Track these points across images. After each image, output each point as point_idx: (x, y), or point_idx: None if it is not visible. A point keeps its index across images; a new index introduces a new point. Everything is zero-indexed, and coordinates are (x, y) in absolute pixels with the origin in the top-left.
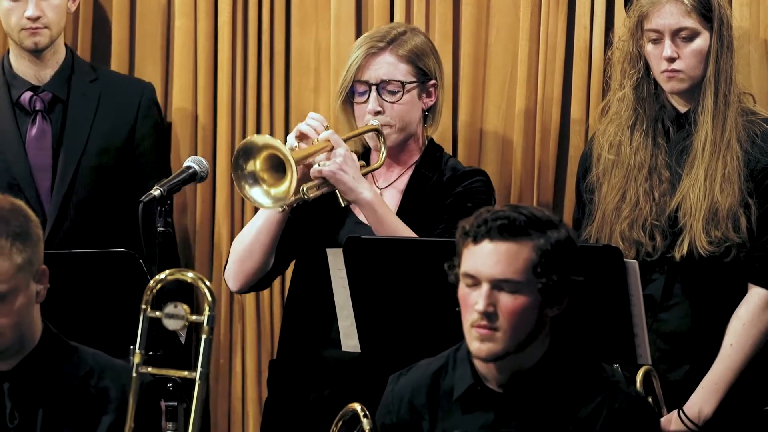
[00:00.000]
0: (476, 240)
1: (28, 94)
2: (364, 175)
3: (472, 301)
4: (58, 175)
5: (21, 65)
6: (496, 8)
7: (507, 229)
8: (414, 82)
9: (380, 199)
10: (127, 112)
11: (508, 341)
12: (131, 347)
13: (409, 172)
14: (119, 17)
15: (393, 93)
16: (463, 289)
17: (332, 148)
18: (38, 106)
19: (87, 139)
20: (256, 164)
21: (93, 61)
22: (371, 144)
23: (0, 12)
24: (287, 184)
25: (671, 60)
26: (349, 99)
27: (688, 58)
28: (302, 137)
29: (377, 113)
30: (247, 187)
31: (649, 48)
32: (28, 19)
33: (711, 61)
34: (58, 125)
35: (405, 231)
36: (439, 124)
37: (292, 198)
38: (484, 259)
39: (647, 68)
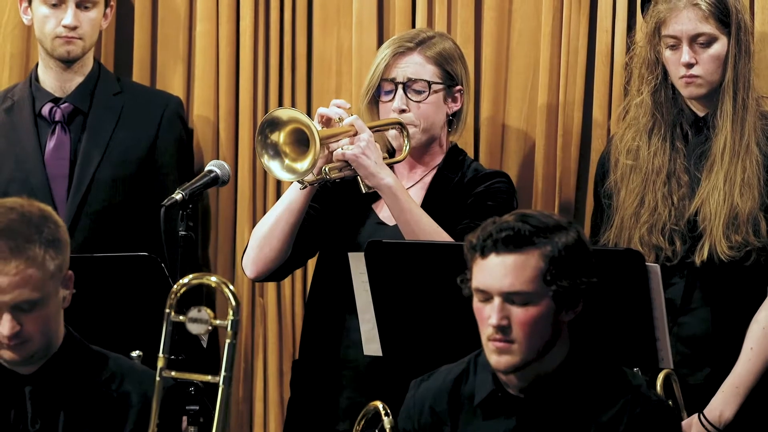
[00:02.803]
0: (483, 254)
1: (48, 106)
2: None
3: (486, 315)
4: (73, 185)
5: (47, 77)
6: (518, 12)
7: (512, 240)
8: (440, 83)
9: (401, 185)
10: (150, 124)
11: (526, 352)
12: (133, 353)
13: (432, 173)
14: (141, 22)
15: (419, 92)
16: (476, 304)
17: (356, 133)
18: (58, 117)
19: (105, 149)
20: (281, 136)
21: (115, 67)
22: (395, 144)
23: (36, 18)
24: (310, 158)
25: (689, 66)
26: (375, 98)
27: (706, 63)
28: (326, 123)
29: (402, 111)
30: (267, 156)
31: (666, 54)
32: (65, 27)
33: (729, 66)
34: (78, 136)
35: (425, 218)
36: (462, 131)
37: (313, 176)
38: (493, 273)
39: (665, 73)
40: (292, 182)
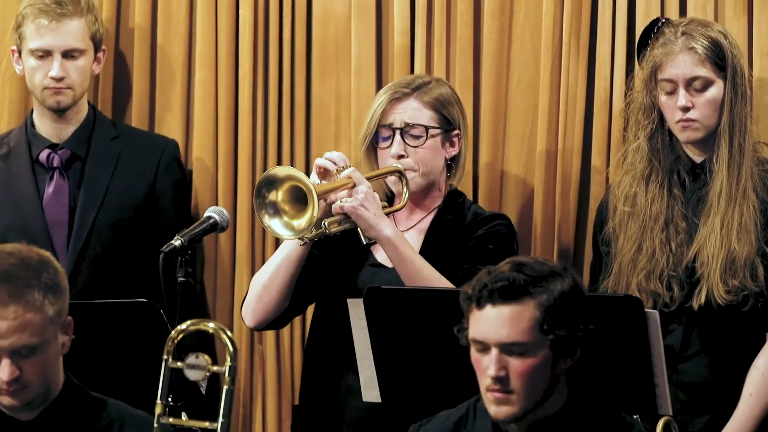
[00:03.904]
0: (479, 305)
1: (46, 152)
2: (387, 215)
3: (484, 366)
4: (74, 231)
5: (43, 124)
6: (517, 59)
7: (507, 291)
8: (437, 128)
9: (401, 236)
10: (147, 168)
11: (525, 401)
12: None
13: (431, 216)
14: (139, 69)
15: (416, 137)
16: (474, 354)
17: (354, 185)
18: (56, 163)
19: (104, 195)
20: (278, 195)
21: (113, 113)
22: (394, 190)
23: (25, 70)
24: (309, 215)
25: (686, 109)
26: (372, 145)
27: (703, 107)
28: (324, 174)
29: (400, 157)
30: (267, 216)
31: (663, 98)
32: (52, 78)
33: (725, 110)
34: (76, 182)
35: (426, 268)
36: (462, 176)
37: (314, 232)
38: (489, 324)
39: (661, 119)
40: (292, 239)
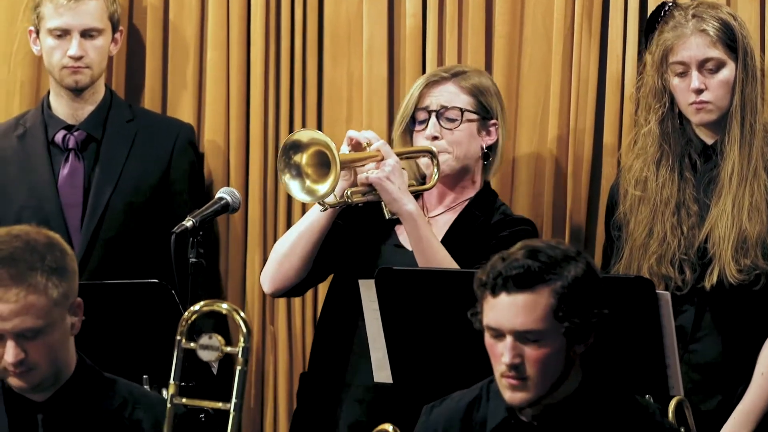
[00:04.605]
0: (494, 292)
1: (62, 133)
2: (414, 195)
3: (499, 352)
4: (87, 213)
5: (59, 104)
6: (529, 40)
7: (522, 279)
8: (474, 113)
9: (422, 215)
10: (162, 151)
11: (539, 387)
12: (144, 377)
13: (460, 208)
14: (152, 51)
15: (452, 120)
16: (488, 339)
17: (382, 159)
18: (71, 144)
19: (119, 177)
20: (303, 158)
21: (126, 95)
22: (427, 172)
23: (43, 49)
24: (331, 180)
25: (699, 91)
26: (408, 129)
27: (716, 89)
28: (355, 146)
29: (434, 138)
30: (288, 176)
31: (674, 81)
32: (71, 57)
33: (737, 91)
34: (91, 164)
35: (441, 251)
36: (498, 168)
37: (336, 199)
38: (504, 312)
39: (672, 102)
40: (312, 204)
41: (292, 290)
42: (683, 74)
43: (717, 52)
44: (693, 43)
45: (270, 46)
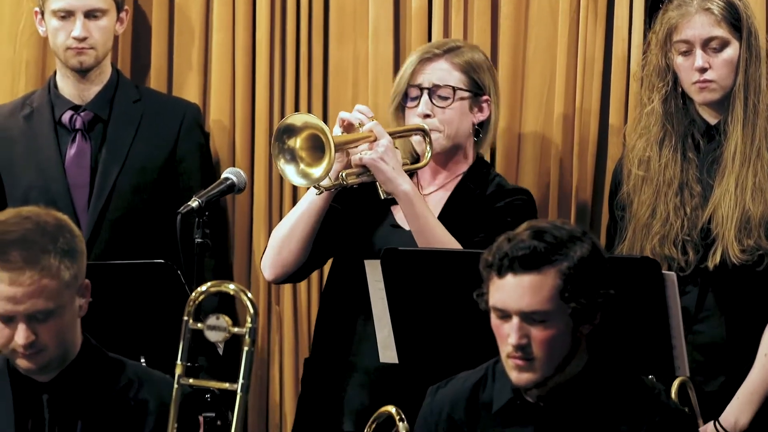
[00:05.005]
0: (500, 274)
1: (68, 113)
2: (408, 173)
3: (505, 333)
4: (94, 193)
5: (66, 85)
6: (534, 20)
7: (528, 260)
8: (466, 90)
9: (418, 193)
10: (169, 132)
11: (546, 368)
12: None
13: (455, 183)
14: (158, 31)
15: (444, 98)
16: (494, 320)
17: (375, 139)
18: (78, 124)
19: (125, 158)
20: (297, 142)
21: (132, 75)
22: (419, 150)
23: (48, 31)
24: (325, 164)
25: (703, 70)
26: (401, 105)
27: (720, 68)
28: (347, 127)
29: (426, 117)
30: (283, 161)
31: (678, 60)
32: (75, 38)
33: (740, 70)
34: (98, 144)
35: (439, 228)
36: (490, 142)
37: (331, 182)
38: (510, 293)
39: (675, 81)
40: (307, 188)
41: (292, 276)
42: (687, 53)
43: (721, 31)
44: (697, 22)
45: (275, 26)
